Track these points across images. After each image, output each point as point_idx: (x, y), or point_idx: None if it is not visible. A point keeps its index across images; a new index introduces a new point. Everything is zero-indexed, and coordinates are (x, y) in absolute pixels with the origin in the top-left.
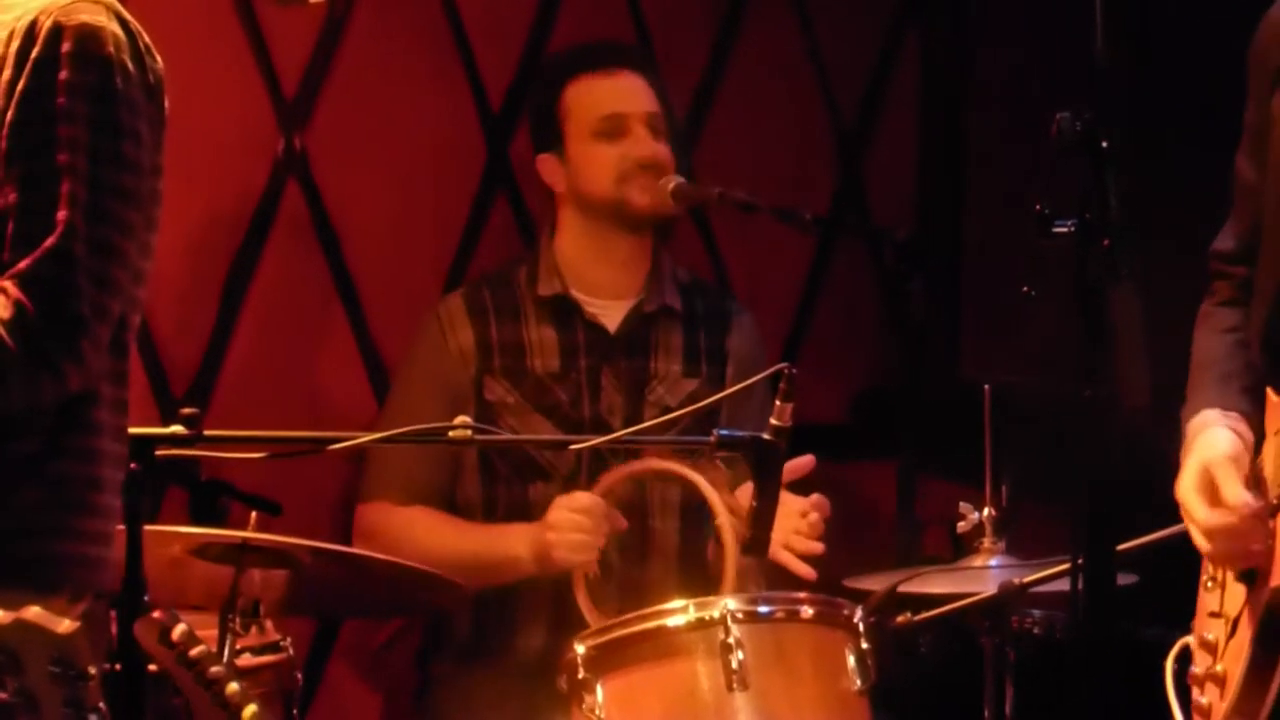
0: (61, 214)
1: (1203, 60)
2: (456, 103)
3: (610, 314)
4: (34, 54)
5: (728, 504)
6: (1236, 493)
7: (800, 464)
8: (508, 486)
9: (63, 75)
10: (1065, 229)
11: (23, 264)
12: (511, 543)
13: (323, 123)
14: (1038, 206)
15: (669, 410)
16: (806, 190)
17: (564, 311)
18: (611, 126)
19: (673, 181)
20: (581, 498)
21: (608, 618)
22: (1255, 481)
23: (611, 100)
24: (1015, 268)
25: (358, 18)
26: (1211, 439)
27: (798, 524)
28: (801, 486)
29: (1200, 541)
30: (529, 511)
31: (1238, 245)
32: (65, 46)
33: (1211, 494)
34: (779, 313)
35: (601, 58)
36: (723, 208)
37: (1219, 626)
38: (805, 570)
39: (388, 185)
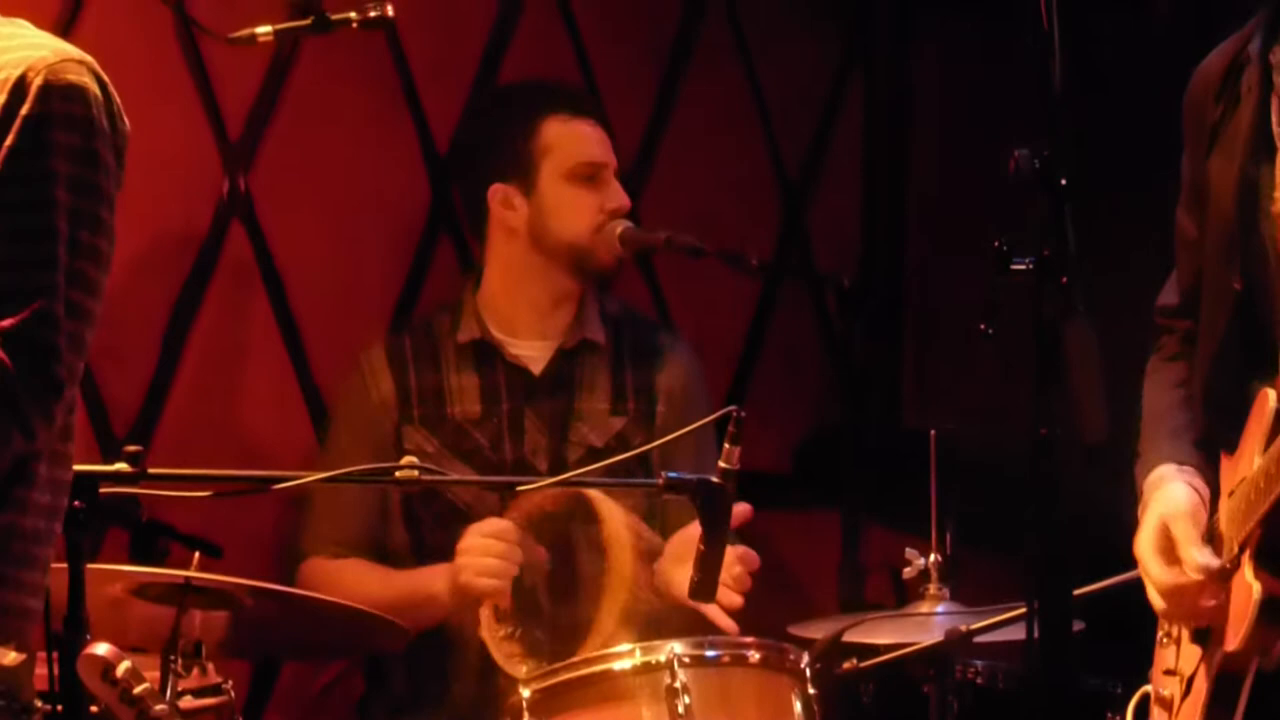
0: (46, 277)
1: (1150, 96)
2: (402, 144)
3: (536, 355)
4: (24, 111)
5: (626, 522)
6: (1194, 553)
7: (738, 512)
8: (432, 532)
9: (52, 135)
10: (1024, 266)
11: (7, 322)
12: (431, 582)
13: (267, 164)
14: (996, 243)
15: (594, 449)
16: (751, 236)
17: (485, 355)
18: (591, 172)
19: (620, 225)
20: (492, 522)
21: (513, 651)
22: (1212, 539)
23: (592, 147)
24: (959, 313)
25: (304, 58)
26: (1169, 495)
27: (722, 576)
28: (742, 536)
29: (1155, 600)
30: (454, 556)
31: (1181, 300)
32: (55, 106)
33: (1169, 552)
34: (723, 359)
35: (581, 103)
36: (668, 253)
37: (1174, 684)
38: (727, 623)
39: (332, 227)
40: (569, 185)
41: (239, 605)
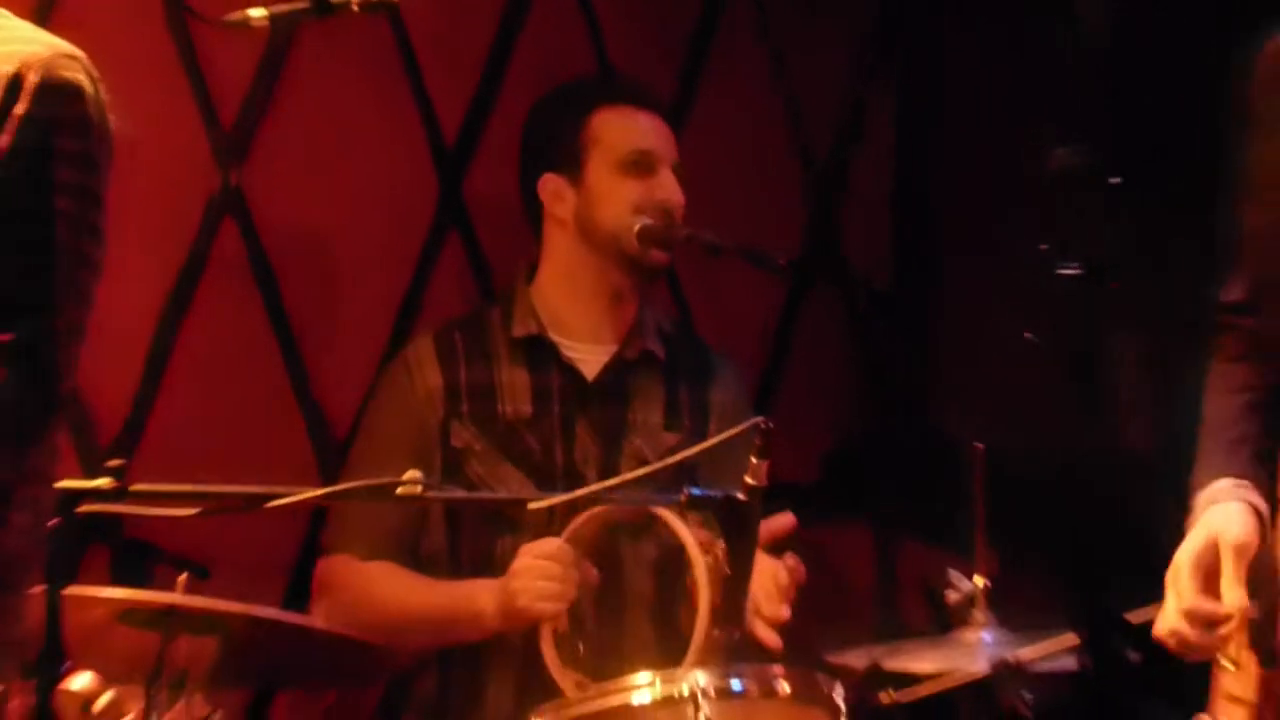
0: (46, 290)
1: (1192, 91)
2: (407, 136)
3: (589, 359)
4: (20, 110)
5: (707, 556)
6: (1236, 594)
7: (779, 524)
8: (473, 539)
9: (53, 140)
10: (1071, 271)
11: (5, 336)
12: (476, 598)
13: (262, 157)
14: (1042, 246)
15: (646, 464)
16: (776, 232)
17: (539, 353)
18: (641, 161)
19: (639, 222)
20: (548, 544)
21: (577, 677)
22: (1264, 566)
23: (645, 136)
24: (996, 314)
25: (302, 43)
26: (1225, 514)
27: (767, 587)
28: (775, 549)
29: (1169, 616)
30: (494, 565)
31: (1247, 296)
32: (55, 109)
33: (1209, 576)
34: (746, 363)
35: (638, 93)
36: (689, 251)
37: (1240, 714)
38: (772, 639)
39: (332, 224)
40: (617, 175)
41: (229, 631)
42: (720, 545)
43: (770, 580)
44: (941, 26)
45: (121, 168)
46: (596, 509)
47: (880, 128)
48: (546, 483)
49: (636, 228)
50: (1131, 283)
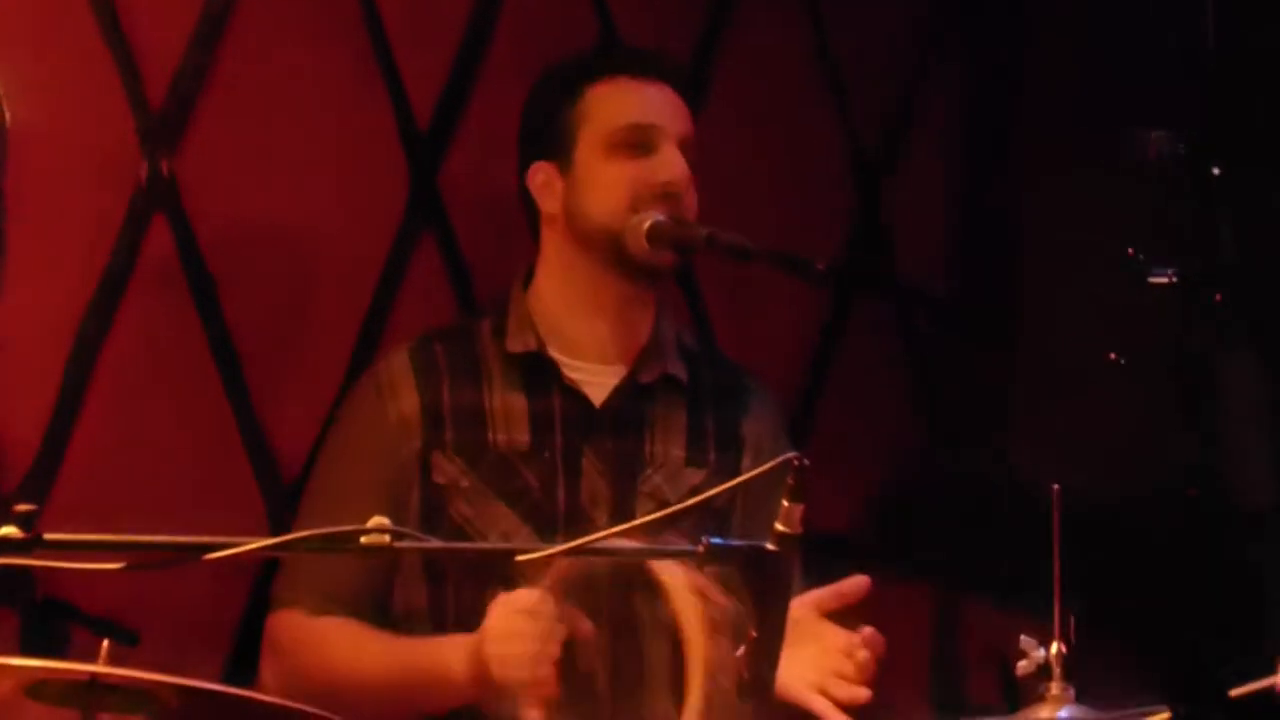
0: None
1: None
2: (372, 118)
3: (596, 382)
4: None
5: (691, 585)
6: None
7: (849, 587)
8: (458, 591)
9: None
10: (1164, 279)
11: None
12: (443, 658)
13: (198, 142)
14: (1130, 251)
15: (667, 505)
16: (816, 233)
17: (538, 374)
18: (635, 138)
19: (650, 219)
20: (524, 596)
21: None
22: None
23: (640, 108)
24: (1082, 335)
25: (245, 6)
26: None
27: (840, 664)
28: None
29: None
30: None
31: None
32: None
33: None
34: (778, 388)
35: (637, 61)
36: (711, 254)
37: None
38: None
39: (282, 222)
40: (610, 155)
41: (160, 706)
42: (717, 590)
43: (840, 657)
44: None
45: (35, 156)
46: (573, 557)
47: (942, 107)
48: (546, 526)
49: (646, 225)
50: (1237, 293)
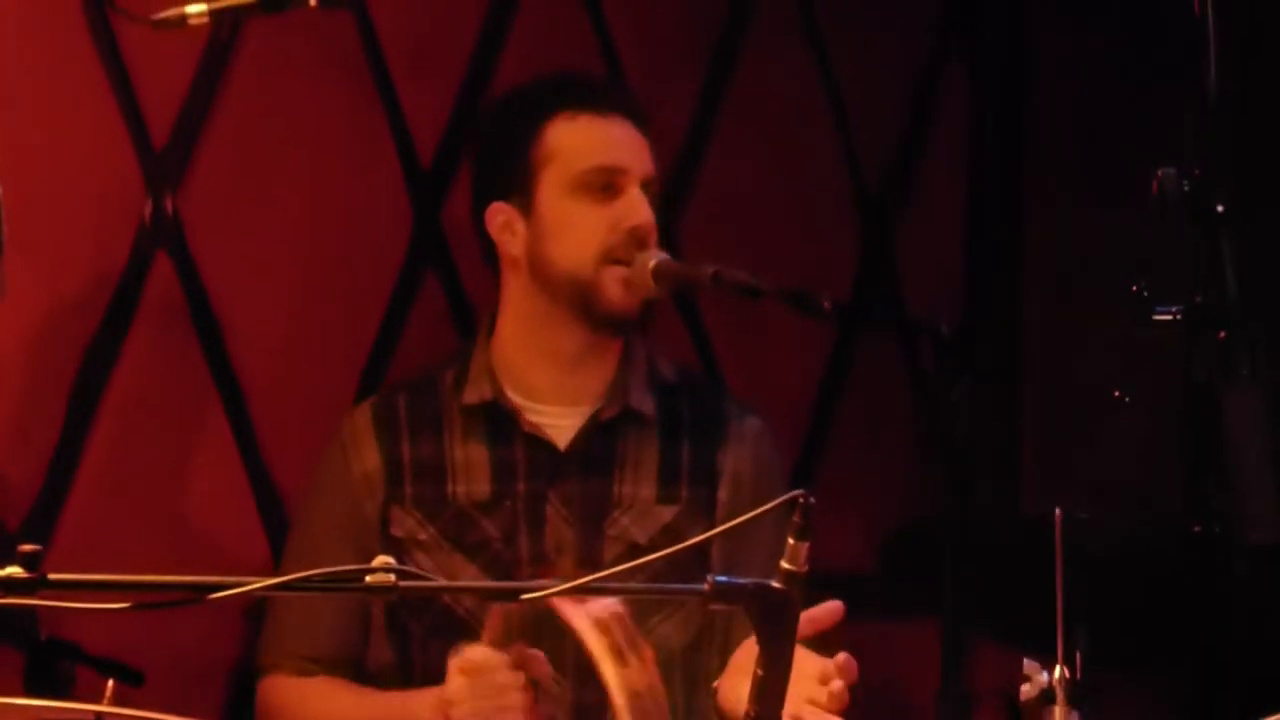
0: None
1: None
2: (375, 156)
3: (560, 424)
4: None
5: (607, 635)
6: None
7: (824, 613)
8: (424, 649)
9: None
10: (1169, 316)
11: None
12: (413, 711)
13: (201, 180)
14: (1134, 288)
15: (636, 547)
16: (822, 269)
17: (498, 423)
18: (602, 181)
19: (655, 257)
20: (472, 655)
21: None
22: None
23: (605, 148)
24: (1089, 372)
25: (249, 45)
26: None
27: (813, 691)
28: (821, 646)
29: None
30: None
31: None
32: None
33: None
34: (787, 427)
35: (597, 96)
36: (716, 292)
37: None
38: None
39: (286, 261)
40: (573, 199)
41: None
42: (628, 628)
43: (814, 684)
44: (1027, 14)
45: (38, 194)
46: (508, 605)
47: (948, 142)
48: (508, 577)
49: (652, 264)
50: (1242, 330)
